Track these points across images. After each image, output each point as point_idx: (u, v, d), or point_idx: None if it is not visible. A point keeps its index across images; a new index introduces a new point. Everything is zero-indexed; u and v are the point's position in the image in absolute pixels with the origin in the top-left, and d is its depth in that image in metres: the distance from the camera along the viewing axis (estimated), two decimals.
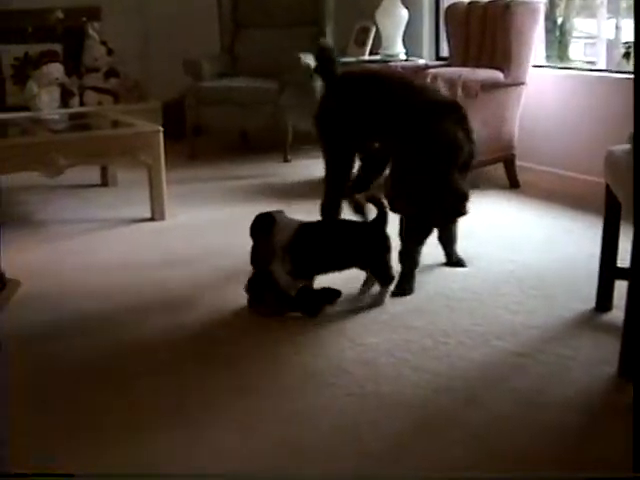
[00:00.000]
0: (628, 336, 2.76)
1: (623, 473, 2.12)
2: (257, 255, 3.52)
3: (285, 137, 6.57)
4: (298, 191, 5.63)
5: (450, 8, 5.98)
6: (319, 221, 3.93)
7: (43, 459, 2.41)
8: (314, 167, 6.31)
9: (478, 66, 5.53)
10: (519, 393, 2.78)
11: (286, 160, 6.59)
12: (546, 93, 5.67)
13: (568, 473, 2.18)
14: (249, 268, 3.54)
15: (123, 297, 3.74)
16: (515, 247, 4.28)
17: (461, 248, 4.14)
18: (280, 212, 3.60)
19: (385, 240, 3.51)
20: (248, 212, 4.60)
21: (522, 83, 5.47)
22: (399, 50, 6.54)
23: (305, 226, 3.56)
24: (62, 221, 5.08)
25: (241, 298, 3.54)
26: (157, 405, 2.76)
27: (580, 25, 7.05)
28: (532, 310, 3.46)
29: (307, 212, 4.99)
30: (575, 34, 6.94)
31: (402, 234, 3.71)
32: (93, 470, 2.37)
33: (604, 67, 6.13)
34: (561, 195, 5.27)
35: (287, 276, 3.45)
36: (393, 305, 3.56)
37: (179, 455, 2.43)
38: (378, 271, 3.55)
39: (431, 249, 3.88)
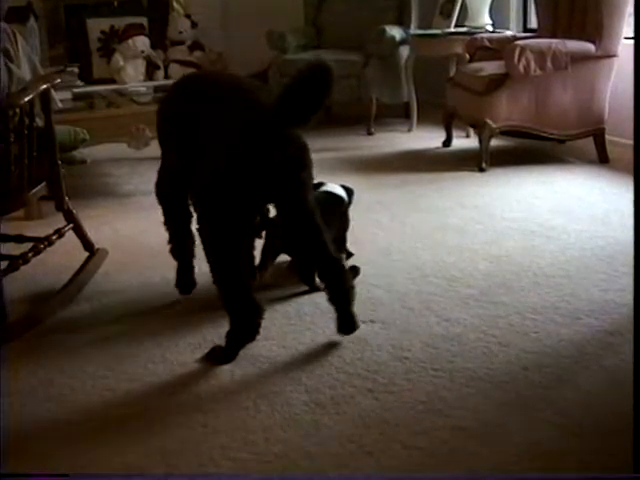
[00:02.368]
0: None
1: (623, 473, 2.06)
2: None
3: (369, 110, 6.53)
4: (381, 164, 5.59)
5: None
6: None
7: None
8: (397, 141, 6.29)
9: (568, 37, 5.40)
10: (610, 372, 2.71)
11: (370, 133, 6.54)
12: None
13: (568, 473, 2.13)
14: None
15: (205, 268, 3.75)
16: (605, 223, 4.18)
17: (550, 224, 4.06)
18: None
19: None
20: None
21: (614, 55, 5.33)
22: (486, 22, 6.43)
23: None
24: (147, 192, 5.07)
25: None
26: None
27: None
28: (623, 287, 3.37)
29: (394, 186, 5.02)
30: None
31: None
32: None
33: None
34: None
35: None
36: (480, 280, 3.51)
37: None
38: None
39: (519, 225, 3.81)
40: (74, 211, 3.65)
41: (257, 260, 3.42)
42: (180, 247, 3.40)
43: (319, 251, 2.88)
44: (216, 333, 3.07)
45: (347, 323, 2.93)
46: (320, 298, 3.14)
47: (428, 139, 6.25)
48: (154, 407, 2.61)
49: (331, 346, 2.95)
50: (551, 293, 3.35)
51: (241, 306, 2.81)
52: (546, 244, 3.91)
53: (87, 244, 3.73)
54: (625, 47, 5.39)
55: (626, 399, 2.52)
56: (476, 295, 3.35)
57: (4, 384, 2.73)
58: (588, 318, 3.10)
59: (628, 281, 3.42)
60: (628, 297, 3.26)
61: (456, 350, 2.88)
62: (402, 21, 6.83)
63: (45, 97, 3.40)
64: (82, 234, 3.71)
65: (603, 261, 3.67)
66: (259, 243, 3.43)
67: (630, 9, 5.31)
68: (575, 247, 3.85)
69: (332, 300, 2.91)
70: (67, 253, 3.79)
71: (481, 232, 4.13)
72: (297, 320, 3.17)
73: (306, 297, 3.36)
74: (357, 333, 2.97)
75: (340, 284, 2.91)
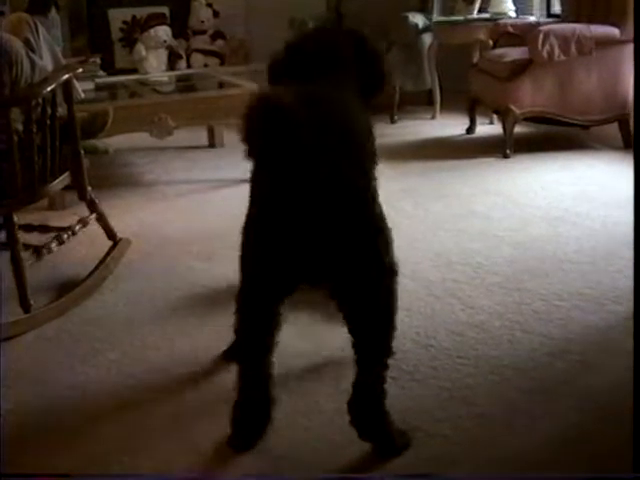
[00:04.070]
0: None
1: (623, 473, 2.04)
2: None
3: (392, 98, 6.49)
4: (405, 152, 5.57)
5: None
6: None
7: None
8: (421, 128, 6.26)
9: (592, 22, 5.35)
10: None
11: (393, 121, 6.51)
12: None
13: (568, 473, 2.11)
14: None
15: (228, 258, 3.75)
16: (630, 209, 4.13)
17: (574, 210, 4.04)
18: None
19: None
20: None
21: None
22: (509, 7, 6.38)
23: None
24: (170, 182, 5.13)
25: None
26: None
27: None
28: None
29: (418, 173, 4.99)
30: None
31: None
32: None
33: None
34: None
35: None
36: (504, 267, 3.49)
37: None
38: None
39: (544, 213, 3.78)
40: (97, 201, 3.65)
41: None
42: None
43: None
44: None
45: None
46: None
47: (452, 126, 6.21)
48: (179, 397, 2.61)
49: None
50: (576, 279, 3.33)
51: None
52: (571, 230, 3.88)
53: (110, 234, 3.74)
54: None
55: None
56: (501, 282, 3.34)
57: (27, 371, 2.74)
58: (613, 305, 3.08)
59: None
60: None
61: (481, 337, 2.87)
62: (424, 8, 6.78)
63: (67, 87, 3.40)
64: (105, 224, 3.71)
65: (628, 247, 3.63)
66: None
67: None
68: (600, 233, 3.82)
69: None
70: (90, 243, 3.80)
71: (505, 219, 4.10)
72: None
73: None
74: None
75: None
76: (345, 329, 2.20)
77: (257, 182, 2.28)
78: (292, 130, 1.95)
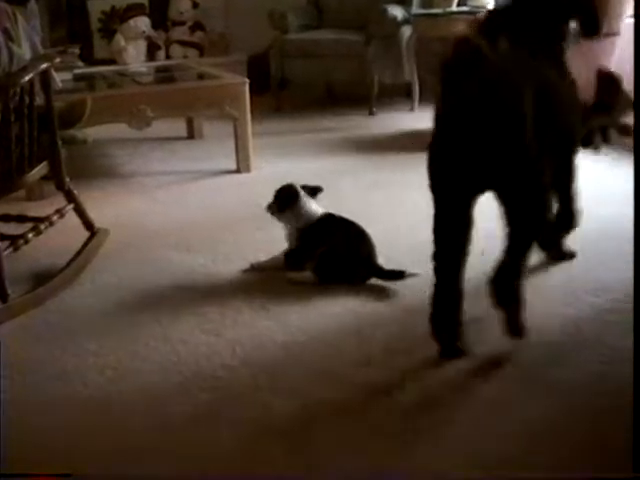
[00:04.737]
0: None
1: (623, 473, 2.06)
2: None
3: (370, 90, 6.50)
4: (383, 144, 5.58)
5: None
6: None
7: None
8: (399, 120, 6.27)
9: None
10: (611, 351, 2.71)
11: (371, 113, 6.52)
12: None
13: (568, 473, 2.13)
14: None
15: (207, 248, 3.76)
16: (601, 200, 4.16)
17: None
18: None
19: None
20: (333, 165, 4.58)
21: (616, 34, 5.30)
22: (487, 0, 6.40)
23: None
24: (149, 173, 5.12)
25: None
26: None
27: None
28: (626, 266, 3.36)
29: (396, 165, 5.01)
30: None
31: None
32: None
33: None
34: None
35: None
36: (478, 258, 3.50)
37: None
38: None
39: None
40: (75, 191, 3.65)
41: None
42: None
43: None
44: (218, 312, 3.08)
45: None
46: None
47: (430, 119, 6.19)
48: (155, 386, 2.61)
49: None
50: (555, 272, 3.35)
51: None
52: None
53: (88, 224, 3.73)
54: (628, 26, 5.36)
55: (625, 377, 2.54)
56: (477, 274, 3.35)
57: (7, 362, 2.74)
58: (591, 297, 3.11)
59: (631, 260, 3.42)
60: (631, 275, 3.26)
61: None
62: (404, 1, 6.78)
63: (45, 76, 3.39)
64: (83, 214, 3.71)
65: (607, 240, 3.66)
66: None
67: None
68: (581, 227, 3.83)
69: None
70: (68, 233, 3.78)
71: (483, 209, 4.11)
72: (296, 300, 3.18)
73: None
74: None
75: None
76: None
77: (449, 108, 2.76)
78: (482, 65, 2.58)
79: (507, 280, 2.68)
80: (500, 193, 2.65)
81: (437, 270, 2.68)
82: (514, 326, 2.67)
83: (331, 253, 3.31)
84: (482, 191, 2.67)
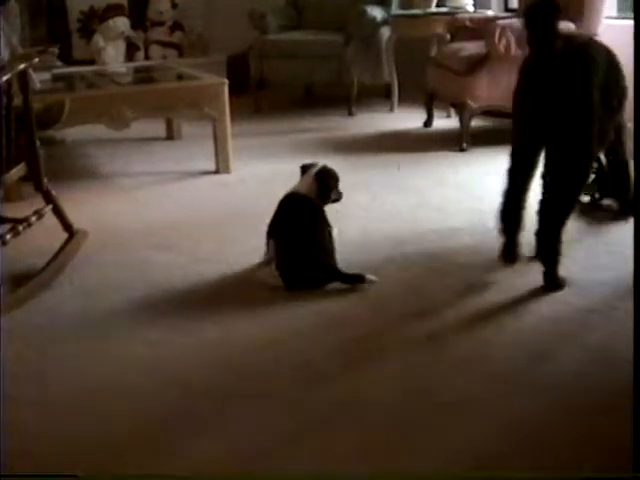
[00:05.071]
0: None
1: (623, 473, 2.08)
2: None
3: (350, 91, 6.51)
4: (362, 145, 5.59)
5: None
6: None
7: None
8: (378, 121, 6.29)
9: None
10: (589, 349, 2.73)
11: (350, 114, 6.53)
12: (618, 45, 5.51)
13: (568, 473, 2.14)
14: None
15: (186, 249, 3.76)
16: None
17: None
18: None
19: None
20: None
21: (594, 35, 5.33)
22: (467, 1, 6.43)
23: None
24: (128, 174, 5.11)
25: None
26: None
27: None
28: (603, 265, 3.39)
29: (375, 166, 5.01)
30: None
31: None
32: None
33: None
34: None
35: None
36: (461, 260, 3.52)
37: None
38: None
39: None
40: (53, 192, 3.63)
41: None
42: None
43: None
44: (197, 313, 3.08)
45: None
46: None
47: (409, 119, 6.24)
48: (135, 387, 2.61)
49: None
50: (531, 271, 3.36)
51: None
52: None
53: (66, 225, 3.72)
54: (606, 27, 5.40)
55: (604, 375, 2.56)
56: (456, 274, 3.37)
57: None
58: (568, 296, 3.12)
59: (608, 259, 3.45)
60: (607, 274, 3.29)
61: (436, 326, 2.90)
62: (383, 1, 6.80)
63: (23, 77, 3.38)
64: (61, 215, 3.69)
65: (583, 239, 3.68)
66: None
67: None
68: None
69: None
70: (47, 234, 3.76)
71: (461, 211, 4.14)
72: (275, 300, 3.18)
73: None
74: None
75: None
76: None
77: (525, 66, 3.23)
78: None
79: (548, 235, 3.14)
80: (559, 144, 3.12)
81: (509, 179, 3.31)
82: (551, 280, 3.13)
83: (290, 259, 3.26)
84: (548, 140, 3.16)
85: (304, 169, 3.47)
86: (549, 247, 3.14)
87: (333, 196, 3.43)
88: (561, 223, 3.14)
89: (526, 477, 2.14)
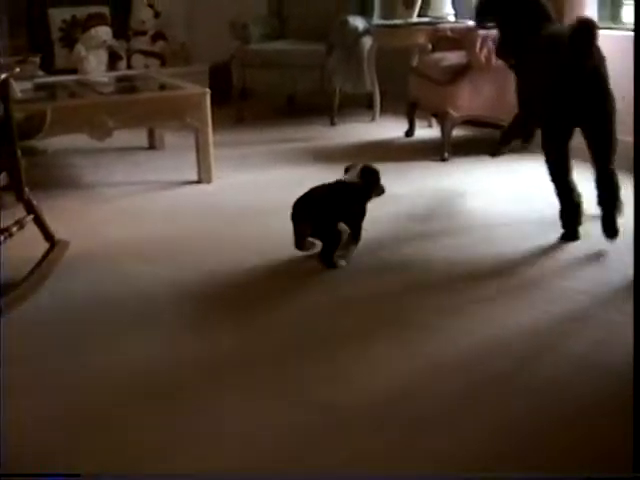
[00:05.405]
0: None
1: (623, 473, 2.09)
2: None
3: (332, 100, 6.53)
4: (344, 154, 5.59)
5: None
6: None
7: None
8: (360, 131, 6.30)
9: None
10: (569, 358, 2.74)
11: (333, 123, 6.54)
12: None
13: (568, 473, 2.16)
14: None
15: (168, 259, 3.76)
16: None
17: (511, 212, 4.12)
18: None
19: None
20: (294, 175, 4.59)
21: None
22: (448, 11, 6.46)
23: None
24: (110, 184, 5.11)
25: (291, 261, 3.55)
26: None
27: None
28: (583, 275, 3.42)
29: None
30: None
31: None
32: None
33: None
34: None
35: None
36: (440, 270, 3.54)
37: None
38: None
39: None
40: (35, 202, 3.63)
41: None
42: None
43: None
44: (178, 324, 3.08)
45: (610, 227, 3.67)
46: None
47: (391, 129, 6.27)
48: (112, 400, 2.60)
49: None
50: (511, 280, 3.38)
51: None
52: (507, 233, 3.94)
53: (48, 235, 3.71)
54: None
55: (586, 383, 2.58)
56: (435, 285, 3.38)
57: None
58: (547, 305, 3.14)
59: (588, 268, 3.47)
60: (586, 284, 3.31)
61: (419, 337, 2.91)
62: (365, 11, 6.84)
63: (4, 87, 3.38)
64: (43, 225, 3.69)
65: (563, 250, 3.71)
66: None
67: None
68: (536, 236, 3.88)
69: (601, 204, 3.72)
70: (28, 244, 3.75)
71: (442, 221, 4.16)
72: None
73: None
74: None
75: (611, 191, 3.70)
76: None
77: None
78: None
79: (606, 184, 3.71)
80: (592, 127, 3.74)
81: (553, 177, 3.82)
82: (611, 225, 3.65)
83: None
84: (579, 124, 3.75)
85: (347, 170, 3.86)
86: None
87: (376, 191, 3.80)
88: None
89: (526, 477, 2.16)
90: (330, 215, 3.58)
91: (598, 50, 3.73)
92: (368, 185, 3.76)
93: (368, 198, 3.75)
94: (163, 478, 2.20)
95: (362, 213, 3.72)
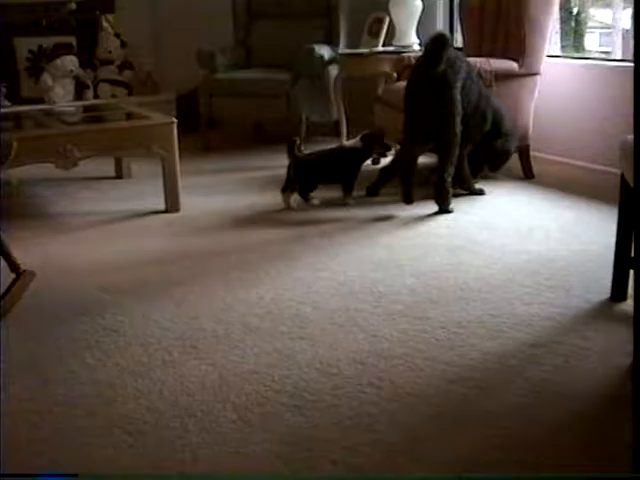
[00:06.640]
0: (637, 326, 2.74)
1: (623, 473, 2.11)
2: None
3: (298, 129, 6.55)
4: None
5: None
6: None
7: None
8: None
9: (492, 56, 5.50)
10: (534, 384, 2.76)
11: (299, 151, 6.55)
12: (561, 83, 5.64)
13: (568, 473, 2.17)
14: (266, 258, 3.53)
15: (135, 289, 3.75)
16: (530, 238, 4.27)
17: (476, 239, 4.14)
18: None
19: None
20: (263, 203, 4.59)
21: (537, 73, 5.44)
22: (413, 41, 6.52)
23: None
24: (77, 213, 5.10)
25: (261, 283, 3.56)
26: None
27: (596, 15, 7.00)
28: (547, 301, 3.45)
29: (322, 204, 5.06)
30: (591, 24, 6.89)
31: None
32: None
33: (620, 57, 6.08)
34: (576, 185, 5.25)
35: None
36: (406, 296, 3.55)
37: None
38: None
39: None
40: (0, 232, 3.62)
41: None
42: None
43: None
44: (145, 353, 3.07)
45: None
46: (251, 318, 3.18)
47: None
48: (81, 430, 2.59)
49: (259, 364, 2.96)
50: (476, 307, 3.41)
51: None
52: (472, 259, 3.97)
53: (13, 265, 3.70)
54: (548, 65, 5.52)
55: (548, 409, 2.60)
56: (402, 310, 3.40)
57: None
58: (513, 331, 3.16)
59: (552, 294, 3.50)
60: (551, 310, 3.35)
61: (383, 365, 2.92)
62: (331, 40, 6.90)
63: None
64: (8, 255, 3.67)
65: (527, 275, 3.74)
66: None
67: (554, 26, 5.45)
68: (500, 262, 3.92)
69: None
70: None
71: (408, 248, 4.18)
72: (226, 340, 3.18)
73: (235, 316, 3.38)
74: (285, 350, 3.01)
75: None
76: None
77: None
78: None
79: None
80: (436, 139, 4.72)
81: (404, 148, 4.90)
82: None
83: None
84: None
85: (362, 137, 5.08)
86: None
87: (377, 150, 5.06)
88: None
89: (526, 477, 2.16)
90: (326, 172, 5.02)
91: (455, 60, 4.69)
92: (367, 148, 4.98)
93: (364, 159, 5.00)
94: (163, 478, 2.19)
95: (355, 171, 4.99)
